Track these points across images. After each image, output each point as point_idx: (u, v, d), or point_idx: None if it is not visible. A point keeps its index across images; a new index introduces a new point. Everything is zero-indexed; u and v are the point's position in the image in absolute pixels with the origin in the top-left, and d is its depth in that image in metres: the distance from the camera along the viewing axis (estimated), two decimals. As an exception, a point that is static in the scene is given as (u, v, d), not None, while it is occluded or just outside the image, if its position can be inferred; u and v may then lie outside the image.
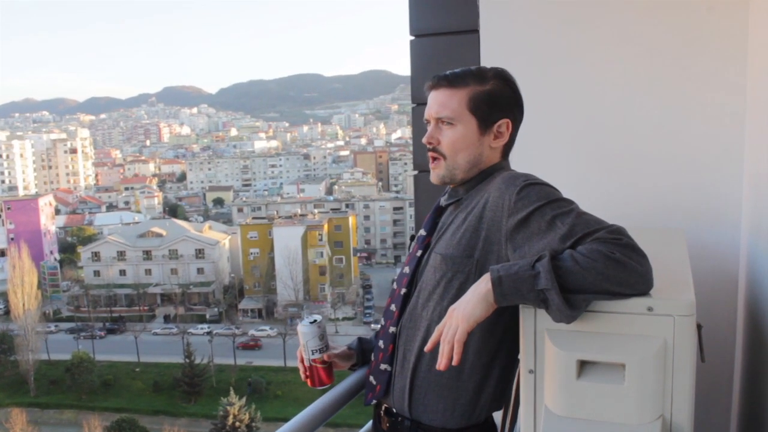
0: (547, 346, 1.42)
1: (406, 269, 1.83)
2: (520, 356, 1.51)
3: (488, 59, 2.62)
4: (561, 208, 1.49)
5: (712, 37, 2.42)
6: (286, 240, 61.27)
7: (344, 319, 59.76)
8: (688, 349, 1.35)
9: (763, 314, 1.93)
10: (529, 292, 1.38)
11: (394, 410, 1.81)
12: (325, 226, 64.89)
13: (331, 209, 77.01)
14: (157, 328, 58.51)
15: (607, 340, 1.37)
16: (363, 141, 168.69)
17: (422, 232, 1.84)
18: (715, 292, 2.36)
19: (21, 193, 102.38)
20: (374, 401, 1.87)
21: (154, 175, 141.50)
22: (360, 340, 2.07)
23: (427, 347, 1.54)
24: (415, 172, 2.99)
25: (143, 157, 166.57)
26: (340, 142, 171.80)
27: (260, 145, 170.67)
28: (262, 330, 56.82)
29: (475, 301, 1.44)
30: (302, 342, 1.92)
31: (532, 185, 1.56)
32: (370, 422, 2.03)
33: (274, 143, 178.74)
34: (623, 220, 2.41)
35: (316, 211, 73.24)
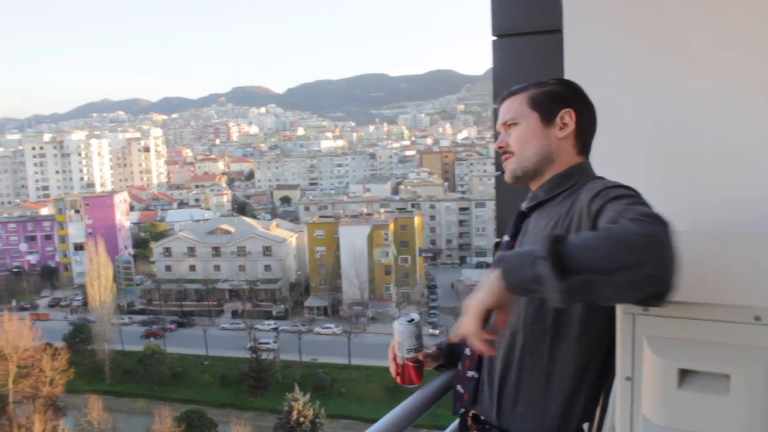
0: (645, 354, 1.36)
1: None
2: (617, 363, 1.44)
3: (572, 60, 2.56)
4: (629, 200, 1.37)
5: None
6: (352, 239, 61.71)
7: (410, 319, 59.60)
8: (800, 361, 1.28)
9: None
10: (526, 267, 1.25)
11: (482, 418, 1.79)
12: (391, 226, 65.08)
13: (397, 209, 77.21)
14: (225, 323, 59.88)
15: (710, 349, 1.30)
16: (429, 141, 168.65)
17: (506, 237, 1.84)
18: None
19: (98, 190, 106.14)
20: (462, 410, 1.85)
21: (224, 174, 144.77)
22: (449, 341, 2.06)
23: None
24: (498, 173, 2.92)
25: (213, 156, 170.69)
26: (406, 142, 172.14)
27: (327, 144, 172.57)
28: (327, 328, 57.37)
29: (486, 287, 1.34)
30: (398, 340, 1.92)
31: (611, 188, 1.48)
32: (452, 426, 2.01)
33: (340, 142, 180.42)
34: (714, 225, 2.31)
35: (382, 210, 73.53)
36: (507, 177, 1.80)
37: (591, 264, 1.18)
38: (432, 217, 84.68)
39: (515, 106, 1.77)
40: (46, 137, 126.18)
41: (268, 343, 53.67)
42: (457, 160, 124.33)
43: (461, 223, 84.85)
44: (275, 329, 55.00)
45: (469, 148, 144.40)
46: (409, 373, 1.91)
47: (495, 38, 2.89)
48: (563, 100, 1.73)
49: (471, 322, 1.36)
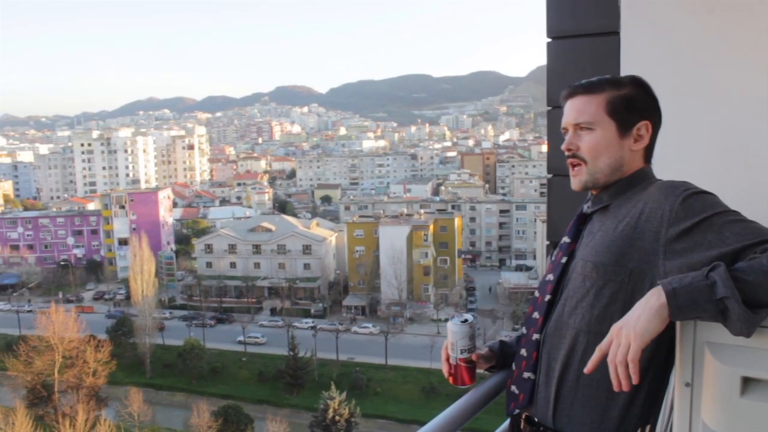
0: (707, 360, 1.34)
1: (550, 276, 1.79)
2: (676, 368, 1.43)
3: (629, 63, 2.51)
4: (729, 216, 1.43)
5: None
6: (392, 239, 61.83)
7: (447, 320, 59.38)
8: None
9: None
10: (706, 302, 1.29)
11: (536, 419, 1.76)
12: (431, 227, 65.02)
13: (437, 210, 77.18)
14: (263, 320, 60.54)
15: None
16: (470, 142, 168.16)
17: (566, 239, 1.80)
18: None
19: (143, 186, 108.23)
20: (517, 411, 1.82)
21: (265, 172, 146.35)
22: (501, 342, 2.05)
23: (588, 368, 1.46)
24: (549, 176, 2.87)
25: (255, 154, 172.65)
26: (448, 143, 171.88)
27: (368, 144, 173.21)
28: (365, 327, 57.55)
29: (648, 317, 1.35)
30: (451, 340, 1.90)
31: (695, 194, 1.50)
32: (502, 428, 1.99)
33: (381, 143, 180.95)
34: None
35: (422, 211, 73.55)
36: (575, 186, 1.75)
37: None
38: (472, 219, 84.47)
39: (592, 109, 1.69)
40: (95, 134, 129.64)
41: (256, 338, 55.33)
42: (498, 162, 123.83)
43: (501, 225, 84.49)
44: (313, 327, 55.36)
45: (510, 150, 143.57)
46: (461, 373, 1.91)
47: (550, 40, 2.85)
48: (641, 111, 1.68)
49: (636, 350, 1.35)
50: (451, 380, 1.92)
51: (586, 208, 1.78)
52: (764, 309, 1.26)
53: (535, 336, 1.76)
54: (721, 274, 1.28)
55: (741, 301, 1.25)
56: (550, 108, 2.88)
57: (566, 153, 1.75)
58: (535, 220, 74.60)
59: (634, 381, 1.37)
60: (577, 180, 1.74)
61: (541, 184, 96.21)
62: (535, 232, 74.25)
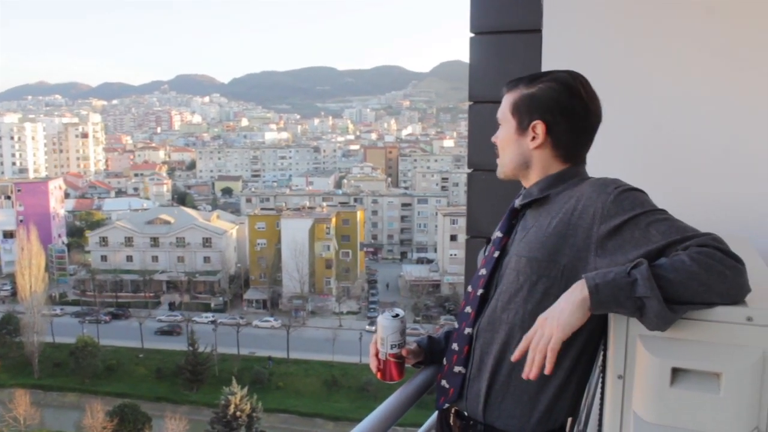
0: (639, 352, 1.39)
1: (483, 271, 1.80)
2: (608, 361, 1.47)
3: (550, 60, 2.58)
4: (656, 215, 1.48)
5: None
6: (294, 232, 61.47)
7: (348, 313, 59.81)
8: (788, 360, 1.31)
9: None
10: (626, 299, 1.36)
11: (466, 414, 1.77)
12: (333, 220, 65.03)
13: (340, 203, 77.21)
14: (161, 315, 58.88)
15: (703, 349, 1.34)
16: (373, 136, 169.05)
17: (498, 233, 1.82)
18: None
19: (31, 175, 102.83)
20: (446, 405, 1.83)
21: (164, 163, 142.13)
22: (429, 338, 2.05)
23: (515, 356, 1.51)
24: (470, 170, 2.91)
25: (154, 144, 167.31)
26: (351, 137, 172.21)
27: (271, 136, 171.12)
28: (266, 321, 56.98)
29: (570, 309, 1.42)
30: (381, 335, 1.88)
31: (626, 191, 1.54)
32: (429, 422, 2.00)
33: (284, 135, 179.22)
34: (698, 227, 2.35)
35: (324, 204, 73.41)
36: (497, 174, 1.85)
37: (693, 295, 1.33)
38: (374, 212, 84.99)
39: (504, 106, 1.79)
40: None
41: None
42: (400, 156, 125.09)
43: (403, 218, 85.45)
44: (213, 322, 54.32)
45: (413, 144, 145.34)
46: (390, 369, 1.89)
47: (473, 35, 2.88)
48: (539, 110, 1.71)
49: (557, 341, 1.42)
50: (379, 375, 1.91)
51: (518, 202, 1.81)
52: (682, 305, 1.33)
53: (468, 330, 1.77)
54: (644, 272, 1.34)
55: (660, 299, 1.31)
56: (471, 103, 2.91)
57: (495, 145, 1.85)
58: (437, 214, 75.76)
59: (547, 370, 1.43)
60: (497, 170, 1.84)
61: (443, 179, 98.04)
62: (437, 226, 75.44)
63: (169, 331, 55.19)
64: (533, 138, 1.72)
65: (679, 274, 1.34)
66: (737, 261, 1.35)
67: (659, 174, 2.49)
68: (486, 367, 1.71)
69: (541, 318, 1.47)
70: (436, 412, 1.92)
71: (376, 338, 1.90)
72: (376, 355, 1.90)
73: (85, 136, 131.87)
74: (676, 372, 1.34)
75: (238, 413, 39.94)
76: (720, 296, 1.34)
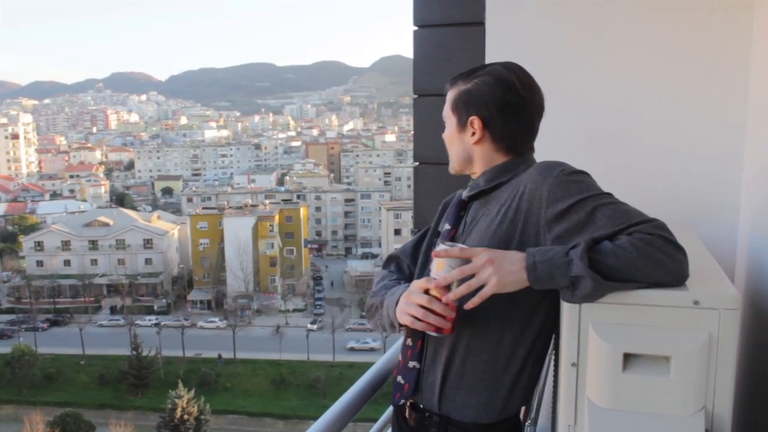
0: (591, 339, 1.42)
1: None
2: (562, 349, 1.50)
3: (493, 53, 2.62)
4: (601, 199, 1.50)
5: (716, 35, 2.46)
6: (237, 230, 60.76)
7: (295, 310, 59.56)
8: (732, 342, 1.36)
9: (765, 308, 1.97)
10: (562, 278, 1.42)
11: (422, 406, 1.77)
12: (276, 217, 64.51)
13: (282, 200, 76.59)
14: (103, 320, 57.47)
15: (652, 333, 1.38)
16: (315, 132, 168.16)
17: (447, 226, 1.82)
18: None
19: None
20: (403, 401, 1.82)
21: (101, 163, 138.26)
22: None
23: (468, 305, 1.51)
24: (416, 164, 2.93)
25: (89, 145, 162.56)
26: (292, 133, 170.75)
27: (211, 134, 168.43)
28: (211, 321, 56.22)
29: (511, 278, 1.46)
30: (444, 273, 1.57)
31: (570, 174, 1.56)
32: (386, 415, 2.00)
33: (224, 133, 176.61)
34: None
35: (267, 201, 72.74)
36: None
37: (627, 279, 1.39)
38: (317, 209, 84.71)
39: (446, 104, 1.81)
40: None
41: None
42: (342, 152, 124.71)
43: (347, 214, 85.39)
44: (157, 324, 53.29)
45: (355, 139, 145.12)
46: (454, 316, 1.59)
47: (416, 28, 2.89)
48: (475, 105, 1.73)
49: (489, 292, 1.47)
50: (447, 330, 1.61)
51: (465, 194, 1.82)
52: (613, 282, 1.39)
53: None
54: (579, 253, 1.39)
55: (594, 280, 1.37)
56: (416, 96, 2.92)
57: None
58: (380, 209, 75.93)
59: (466, 306, 1.50)
60: (449, 166, 1.86)
61: (385, 173, 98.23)
62: (380, 221, 75.60)
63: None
64: (473, 134, 1.74)
65: (618, 259, 1.38)
66: (677, 248, 1.40)
67: (603, 158, 2.57)
68: (440, 358, 1.71)
69: (485, 256, 1.47)
70: (391, 407, 1.92)
71: (435, 279, 1.59)
72: (444, 302, 1.58)
73: (15, 137, 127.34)
74: (627, 357, 1.38)
75: (185, 416, 39.40)
76: (654, 281, 1.39)
